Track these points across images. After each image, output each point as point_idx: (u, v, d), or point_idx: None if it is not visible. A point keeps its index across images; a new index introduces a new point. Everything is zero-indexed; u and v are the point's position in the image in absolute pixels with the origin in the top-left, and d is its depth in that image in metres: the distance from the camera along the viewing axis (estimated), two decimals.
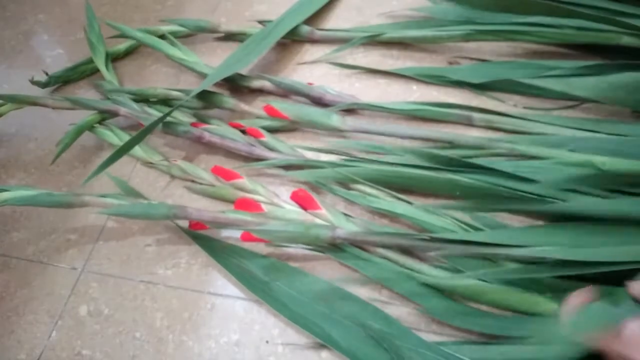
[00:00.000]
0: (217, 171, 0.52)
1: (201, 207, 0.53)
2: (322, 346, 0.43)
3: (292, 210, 0.48)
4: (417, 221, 0.46)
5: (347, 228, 0.45)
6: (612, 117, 0.53)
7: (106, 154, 0.59)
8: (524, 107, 0.55)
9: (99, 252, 0.51)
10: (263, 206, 0.48)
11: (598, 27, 0.54)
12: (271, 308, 0.45)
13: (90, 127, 0.58)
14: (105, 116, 0.59)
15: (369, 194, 0.49)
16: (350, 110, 0.59)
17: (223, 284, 0.48)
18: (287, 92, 0.60)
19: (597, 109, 0.53)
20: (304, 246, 0.47)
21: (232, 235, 0.49)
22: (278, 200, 0.49)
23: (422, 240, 0.43)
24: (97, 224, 0.53)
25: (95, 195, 0.48)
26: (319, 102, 0.59)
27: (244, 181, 0.51)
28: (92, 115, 0.58)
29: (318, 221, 0.46)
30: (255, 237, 0.45)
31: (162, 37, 0.66)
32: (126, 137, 0.57)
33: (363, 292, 0.45)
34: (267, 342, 0.44)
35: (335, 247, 0.46)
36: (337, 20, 0.70)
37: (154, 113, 0.59)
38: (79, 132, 0.57)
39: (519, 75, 0.55)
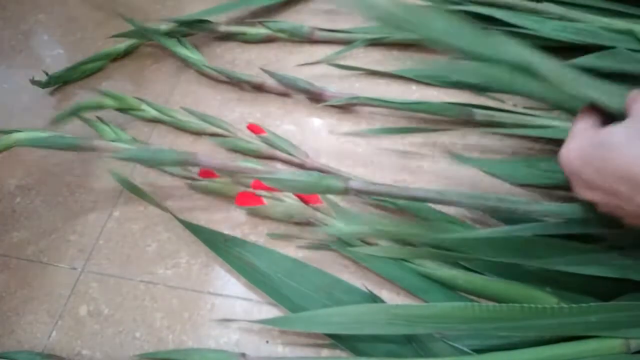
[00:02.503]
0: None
1: (203, 205, 0.53)
2: (322, 345, 0.43)
3: (294, 204, 0.48)
4: (421, 212, 0.46)
5: (349, 225, 0.45)
6: None
7: (106, 154, 0.59)
8: (524, 107, 0.55)
9: (99, 252, 0.51)
10: (265, 200, 0.48)
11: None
12: (272, 307, 0.45)
13: (87, 109, 0.58)
14: (104, 104, 0.59)
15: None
16: (349, 109, 0.59)
17: (223, 284, 0.48)
18: (288, 88, 0.61)
19: None
20: (308, 241, 0.47)
21: (232, 231, 0.49)
22: (280, 194, 0.50)
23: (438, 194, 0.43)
24: (97, 224, 0.53)
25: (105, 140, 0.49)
26: (319, 98, 0.59)
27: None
28: (92, 98, 0.59)
29: (319, 215, 0.47)
30: (265, 186, 0.45)
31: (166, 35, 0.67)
32: (124, 135, 0.57)
33: (366, 286, 0.45)
34: (267, 342, 0.44)
35: (340, 241, 0.46)
36: (337, 21, 0.70)
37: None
38: (75, 111, 0.57)
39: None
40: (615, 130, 0.28)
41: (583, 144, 0.30)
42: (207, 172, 0.49)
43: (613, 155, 0.28)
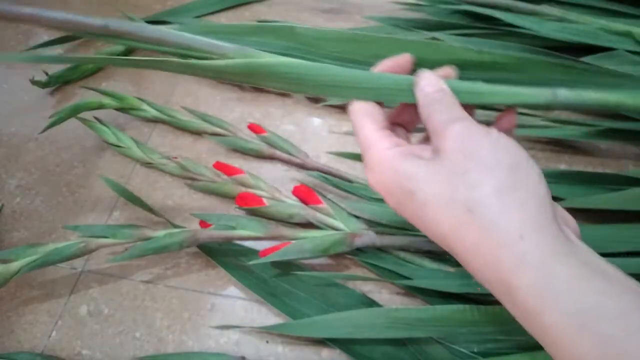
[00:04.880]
0: (219, 167, 0.53)
1: (203, 205, 0.53)
2: (322, 345, 0.43)
3: (294, 204, 0.48)
4: None
5: (348, 224, 0.46)
6: (612, 118, 0.53)
7: (106, 154, 0.59)
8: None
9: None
10: (265, 200, 0.48)
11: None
12: (271, 308, 0.45)
13: (87, 109, 0.58)
14: (105, 103, 0.59)
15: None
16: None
17: (223, 284, 0.48)
18: None
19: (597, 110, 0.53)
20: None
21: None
22: (279, 195, 0.50)
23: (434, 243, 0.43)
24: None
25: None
26: (319, 98, 0.59)
27: (245, 176, 0.51)
28: (91, 98, 0.59)
29: (319, 215, 0.47)
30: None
31: None
32: (124, 137, 0.57)
33: (366, 289, 0.45)
34: (267, 342, 0.44)
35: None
36: (337, 21, 0.71)
37: None
38: (75, 109, 0.58)
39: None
40: (420, 173, 0.24)
41: (386, 177, 0.26)
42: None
43: (413, 193, 0.24)
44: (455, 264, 0.44)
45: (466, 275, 0.42)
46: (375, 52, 0.28)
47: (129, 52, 0.70)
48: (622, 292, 0.20)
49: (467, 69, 0.29)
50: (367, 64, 0.28)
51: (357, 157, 0.55)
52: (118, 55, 0.69)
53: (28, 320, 0.47)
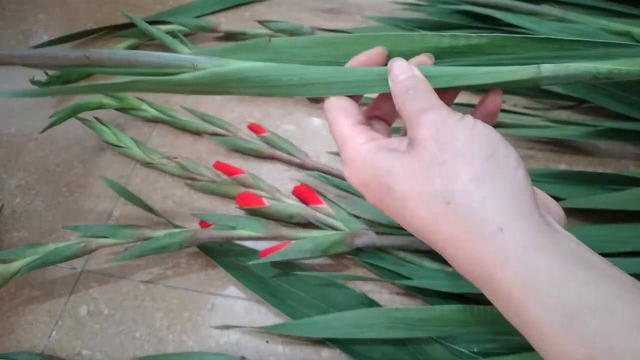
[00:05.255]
0: (219, 167, 0.53)
1: (203, 205, 0.53)
2: (322, 345, 0.43)
3: (294, 204, 0.48)
4: None
5: (348, 224, 0.46)
6: (612, 118, 0.53)
7: (106, 154, 0.59)
8: (524, 107, 0.55)
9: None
10: (265, 200, 0.48)
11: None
12: (271, 308, 0.45)
13: (87, 109, 0.58)
14: (105, 103, 0.59)
15: None
16: None
17: (223, 284, 0.48)
18: None
19: (597, 110, 0.53)
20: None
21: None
22: (279, 195, 0.50)
23: None
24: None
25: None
26: (319, 98, 0.59)
27: (245, 176, 0.51)
28: (92, 98, 0.59)
29: (319, 215, 0.47)
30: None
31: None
32: (124, 137, 0.57)
33: (366, 289, 0.45)
34: (267, 342, 0.44)
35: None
36: (337, 21, 0.71)
37: None
38: (76, 109, 0.57)
39: None
40: (396, 166, 0.24)
41: (362, 173, 0.25)
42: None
43: (391, 189, 0.24)
44: None
45: None
46: (350, 52, 0.28)
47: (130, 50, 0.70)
48: (607, 284, 0.20)
49: (443, 56, 0.28)
50: (344, 65, 0.28)
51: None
52: None
53: (28, 320, 0.47)
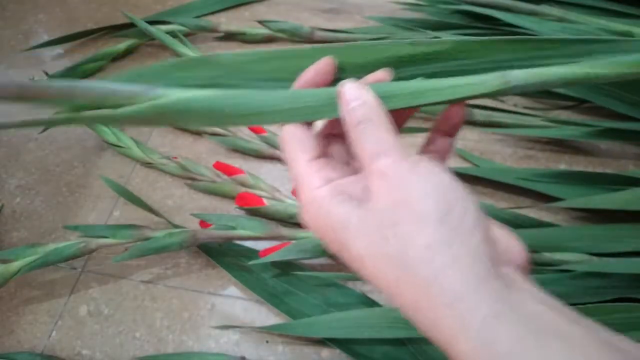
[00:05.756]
0: (219, 167, 0.53)
1: (203, 205, 0.53)
2: (322, 345, 0.43)
3: (294, 204, 0.48)
4: None
5: None
6: (612, 118, 0.53)
7: (106, 154, 0.59)
8: (524, 107, 0.55)
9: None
10: (265, 200, 0.48)
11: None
12: (271, 308, 0.45)
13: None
14: None
15: None
16: None
17: (223, 284, 0.48)
18: None
19: (597, 110, 0.53)
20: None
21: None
22: (279, 195, 0.50)
23: None
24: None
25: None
26: None
27: (245, 176, 0.51)
28: None
29: None
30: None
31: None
32: (124, 137, 0.57)
33: (366, 289, 0.45)
34: (267, 342, 0.44)
35: None
36: (337, 21, 0.71)
37: None
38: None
39: None
40: (352, 222, 0.23)
41: (319, 222, 0.24)
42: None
43: (349, 246, 0.23)
44: None
45: None
46: (301, 66, 0.26)
47: (130, 50, 0.70)
48: (571, 355, 0.19)
49: (403, 65, 0.26)
50: (295, 80, 0.26)
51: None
52: (118, 55, 0.69)
53: (28, 320, 0.47)
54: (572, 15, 0.58)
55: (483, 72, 0.25)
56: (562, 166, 0.54)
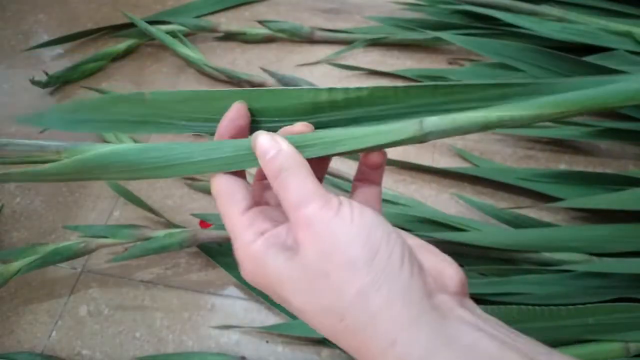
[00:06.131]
0: None
1: (203, 206, 0.53)
2: (322, 345, 0.43)
3: None
4: (426, 213, 0.46)
5: None
6: (612, 118, 0.53)
7: None
8: None
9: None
10: None
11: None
12: (271, 308, 0.45)
13: None
14: None
15: None
16: None
17: (223, 284, 0.48)
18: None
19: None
20: None
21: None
22: None
23: (435, 243, 0.43)
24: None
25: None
26: None
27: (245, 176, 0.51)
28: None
29: None
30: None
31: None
32: (125, 137, 0.57)
33: None
34: (267, 342, 0.44)
35: None
36: (337, 21, 0.71)
37: None
38: None
39: (519, 77, 0.55)
40: (286, 277, 0.23)
41: (257, 277, 0.24)
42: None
43: (289, 301, 0.23)
44: None
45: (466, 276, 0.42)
46: (225, 107, 0.26)
47: (130, 50, 0.70)
48: None
49: (321, 111, 0.26)
50: (218, 120, 0.27)
51: (357, 157, 0.55)
52: (118, 55, 0.69)
53: (28, 320, 0.47)
54: (572, 15, 0.58)
55: (402, 117, 0.25)
56: (562, 166, 0.54)
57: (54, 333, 0.46)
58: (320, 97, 0.26)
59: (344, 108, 0.26)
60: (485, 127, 0.24)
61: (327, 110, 0.26)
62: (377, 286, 0.21)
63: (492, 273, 0.42)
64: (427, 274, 0.23)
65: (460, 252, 0.43)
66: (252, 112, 0.26)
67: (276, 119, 0.27)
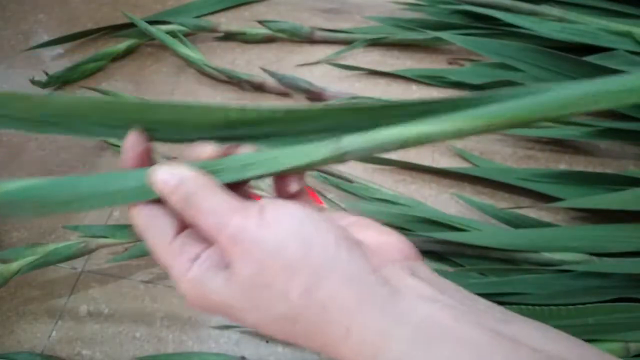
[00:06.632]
0: None
1: None
2: None
3: None
4: (426, 213, 0.46)
5: None
6: (612, 118, 0.53)
7: (106, 154, 0.59)
8: None
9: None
10: None
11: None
12: None
13: None
14: None
15: (372, 186, 0.49)
16: None
17: None
18: (288, 88, 0.61)
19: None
20: None
21: None
22: None
23: (435, 243, 0.43)
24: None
25: None
26: (319, 98, 0.59)
27: None
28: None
29: None
30: None
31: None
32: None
33: None
34: (267, 342, 0.44)
35: None
36: (337, 21, 0.71)
37: None
38: None
39: (518, 77, 0.55)
40: (229, 299, 0.22)
41: (202, 305, 0.23)
42: None
43: (242, 319, 0.22)
44: (455, 264, 0.44)
45: (466, 276, 0.42)
46: (132, 117, 0.25)
47: (130, 50, 0.70)
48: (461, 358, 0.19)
49: (234, 127, 0.25)
50: (126, 128, 0.25)
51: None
52: (118, 55, 0.69)
53: (28, 320, 0.47)
54: (572, 15, 0.58)
55: (320, 134, 0.24)
56: (562, 166, 0.54)
57: (54, 333, 0.46)
58: (231, 115, 0.24)
59: (259, 125, 0.25)
60: (404, 144, 0.23)
61: (241, 126, 0.25)
62: (319, 280, 0.20)
63: (492, 273, 0.42)
64: (369, 251, 0.22)
65: (460, 252, 0.43)
66: (158, 127, 0.25)
67: (185, 134, 0.25)
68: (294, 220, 0.22)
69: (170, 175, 0.23)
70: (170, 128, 0.25)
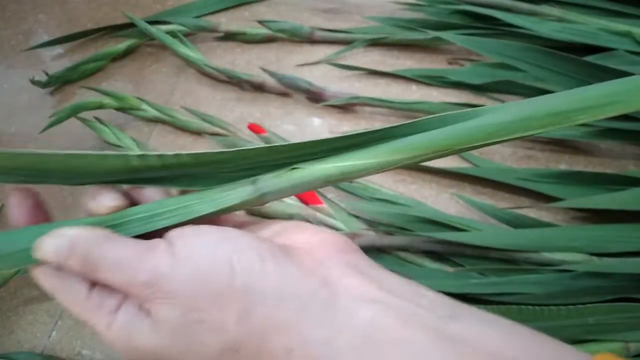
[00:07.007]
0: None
1: None
2: None
3: (293, 204, 0.48)
4: (426, 213, 0.46)
5: (348, 224, 0.46)
6: (612, 118, 0.53)
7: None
8: None
9: None
10: None
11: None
12: None
13: (87, 109, 0.59)
14: (105, 103, 0.59)
15: (372, 186, 0.49)
16: (349, 109, 0.59)
17: None
18: (288, 88, 0.61)
19: None
20: None
21: None
22: None
23: (435, 243, 0.43)
24: None
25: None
26: (319, 98, 0.59)
27: None
28: (91, 98, 0.59)
29: (319, 215, 0.47)
30: None
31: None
32: (124, 137, 0.57)
33: None
34: None
35: None
36: (337, 21, 0.71)
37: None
38: (75, 109, 0.58)
39: (518, 77, 0.55)
40: (158, 345, 0.21)
41: (139, 356, 0.22)
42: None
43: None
44: (455, 264, 0.44)
45: (466, 276, 0.42)
46: (25, 167, 0.23)
47: (130, 50, 0.70)
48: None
49: (137, 172, 0.23)
50: (22, 176, 0.24)
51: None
52: (118, 55, 0.69)
53: (28, 320, 0.47)
54: (572, 15, 0.58)
55: (235, 174, 0.23)
56: (562, 166, 0.54)
57: (54, 333, 0.46)
58: (131, 163, 0.22)
59: (162, 170, 0.23)
60: (327, 181, 0.22)
61: (144, 171, 0.23)
62: (252, 303, 0.20)
63: (492, 273, 0.42)
64: (301, 253, 0.21)
65: (460, 252, 0.43)
66: (54, 175, 0.24)
67: (83, 180, 0.24)
68: (208, 247, 0.20)
69: (60, 240, 0.21)
70: (66, 176, 0.24)
